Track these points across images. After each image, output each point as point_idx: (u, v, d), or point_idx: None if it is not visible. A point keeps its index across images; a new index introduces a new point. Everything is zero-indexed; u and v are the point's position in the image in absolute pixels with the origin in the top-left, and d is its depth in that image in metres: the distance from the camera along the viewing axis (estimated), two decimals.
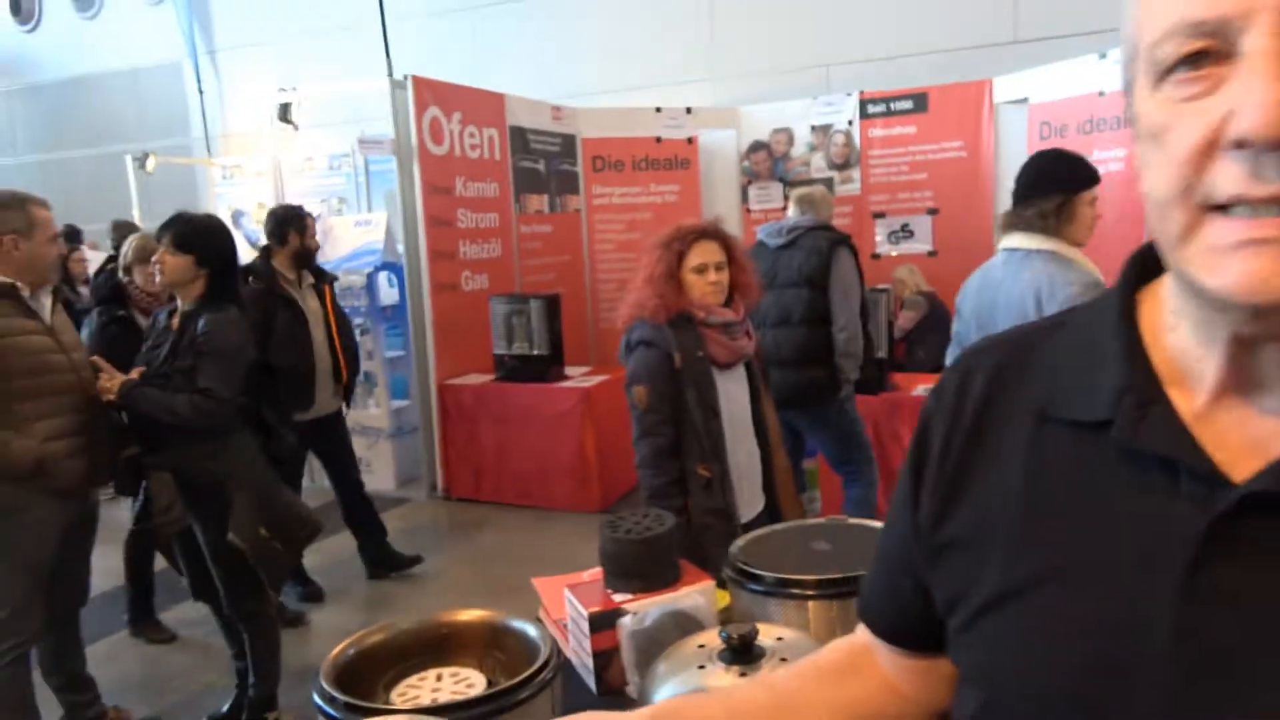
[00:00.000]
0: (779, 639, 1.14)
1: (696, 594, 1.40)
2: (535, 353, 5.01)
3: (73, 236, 6.79)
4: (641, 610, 1.35)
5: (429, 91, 5.18)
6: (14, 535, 2.49)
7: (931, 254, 6.24)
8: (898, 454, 4.10)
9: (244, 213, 7.15)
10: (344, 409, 4.17)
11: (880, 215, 6.40)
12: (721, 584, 1.51)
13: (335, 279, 4.14)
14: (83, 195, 8.69)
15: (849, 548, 1.46)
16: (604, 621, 1.37)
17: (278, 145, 7.09)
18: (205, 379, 2.61)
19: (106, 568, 4.42)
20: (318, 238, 4.06)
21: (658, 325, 2.38)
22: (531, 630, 1.26)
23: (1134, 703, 0.51)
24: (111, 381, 2.63)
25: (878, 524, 1.54)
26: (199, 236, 2.72)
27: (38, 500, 2.50)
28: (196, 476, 2.70)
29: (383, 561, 4.26)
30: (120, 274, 3.54)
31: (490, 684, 1.21)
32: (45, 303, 2.61)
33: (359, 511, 4.22)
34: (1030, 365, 0.64)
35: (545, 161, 6.24)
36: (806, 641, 1.15)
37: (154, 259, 2.76)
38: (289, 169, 7.09)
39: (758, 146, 6.71)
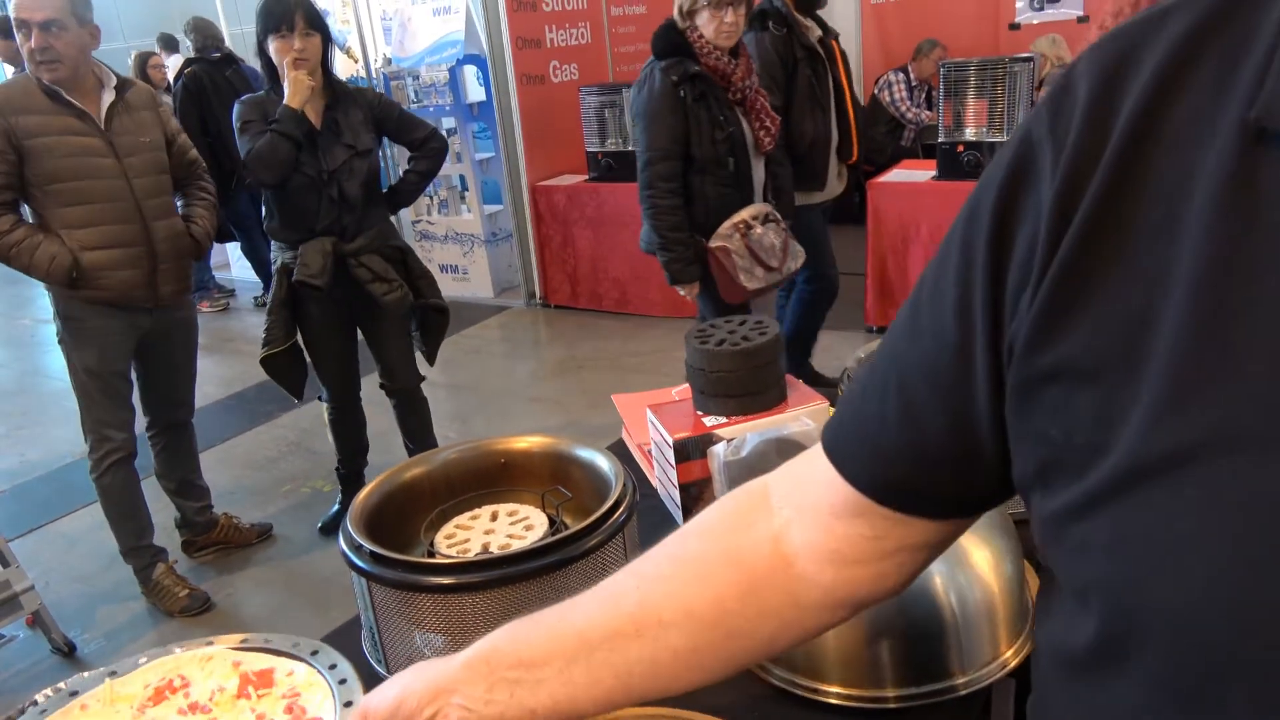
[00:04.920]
0: None
1: (805, 417, 1.14)
2: (630, 149, 4.63)
3: (170, 45, 6.58)
4: (737, 437, 1.11)
5: None
6: (77, 346, 2.46)
7: (1082, 19, 5.42)
8: None
9: (328, 12, 6.77)
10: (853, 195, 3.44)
11: None
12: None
13: (838, 34, 3.24)
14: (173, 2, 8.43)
15: None
16: (692, 449, 1.14)
17: None
18: (423, 128, 2.72)
19: (221, 376, 4.53)
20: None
21: None
22: (602, 461, 1.04)
23: None
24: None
25: None
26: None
27: (93, 311, 2.43)
28: (394, 251, 2.71)
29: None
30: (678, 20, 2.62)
31: (553, 526, 1.00)
32: (104, 102, 2.40)
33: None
34: (1233, 46, 0.36)
35: None
36: None
37: (296, 45, 2.46)
38: None
39: None
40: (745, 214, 2.67)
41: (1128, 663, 0.38)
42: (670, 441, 1.14)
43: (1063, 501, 0.39)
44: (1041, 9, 5.61)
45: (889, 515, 0.51)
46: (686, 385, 1.30)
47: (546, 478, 1.07)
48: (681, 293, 2.77)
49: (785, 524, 0.56)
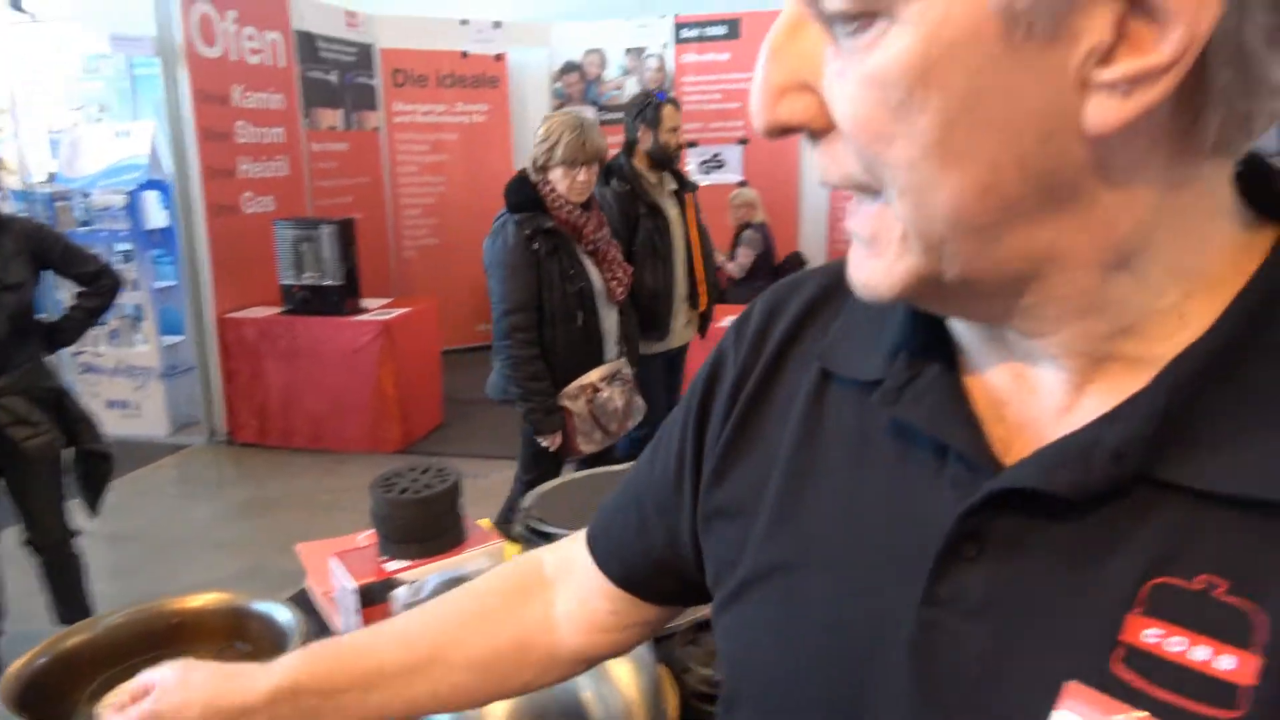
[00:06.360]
0: None
1: (482, 556, 1.25)
2: (328, 283, 4.60)
3: None
4: (418, 580, 1.19)
5: None
6: None
7: (741, 184, 6.29)
8: None
9: None
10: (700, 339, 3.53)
11: (692, 144, 6.36)
12: (514, 540, 1.37)
13: (696, 187, 3.43)
14: None
15: None
16: (376, 594, 1.19)
17: (10, 39, 6.06)
18: (93, 263, 2.59)
19: None
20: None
21: None
22: (281, 613, 1.07)
23: (874, 716, 0.45)
24: None
25: None
26: None
27: None
28: (45, 393, 2.48)
29: None
30: (531, 173, 2.68)
31: None
32: None
33: None
34: (834, 306, 0.54)
35: (339, 73, 5.71)
36: None
37: None
38: (31, 68, 6.10)
39: (570, 68, 6.46)
40: (595, 376, 2.68)
41: (739, 709, 0.54)
42: (354, 588, 1.19)
43: (720, 599, 0.55)
44: (708, 174, 6.44)
45: (627, 599, 0.66)
46: (373, 530, 1.36)
47: (223, 634, 1.07)
48: (544, 443, 2.69)
49: (554, 596, 0.70)
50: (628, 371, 2.84)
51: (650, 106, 3.14)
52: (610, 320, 2.80)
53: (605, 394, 2.71)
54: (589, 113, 6.41)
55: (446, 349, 5.51)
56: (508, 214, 2.65)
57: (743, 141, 6.33)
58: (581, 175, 2.61)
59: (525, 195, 2.63)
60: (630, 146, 3.19)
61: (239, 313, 4.74)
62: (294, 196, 5.26)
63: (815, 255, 6.14)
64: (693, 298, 3.36)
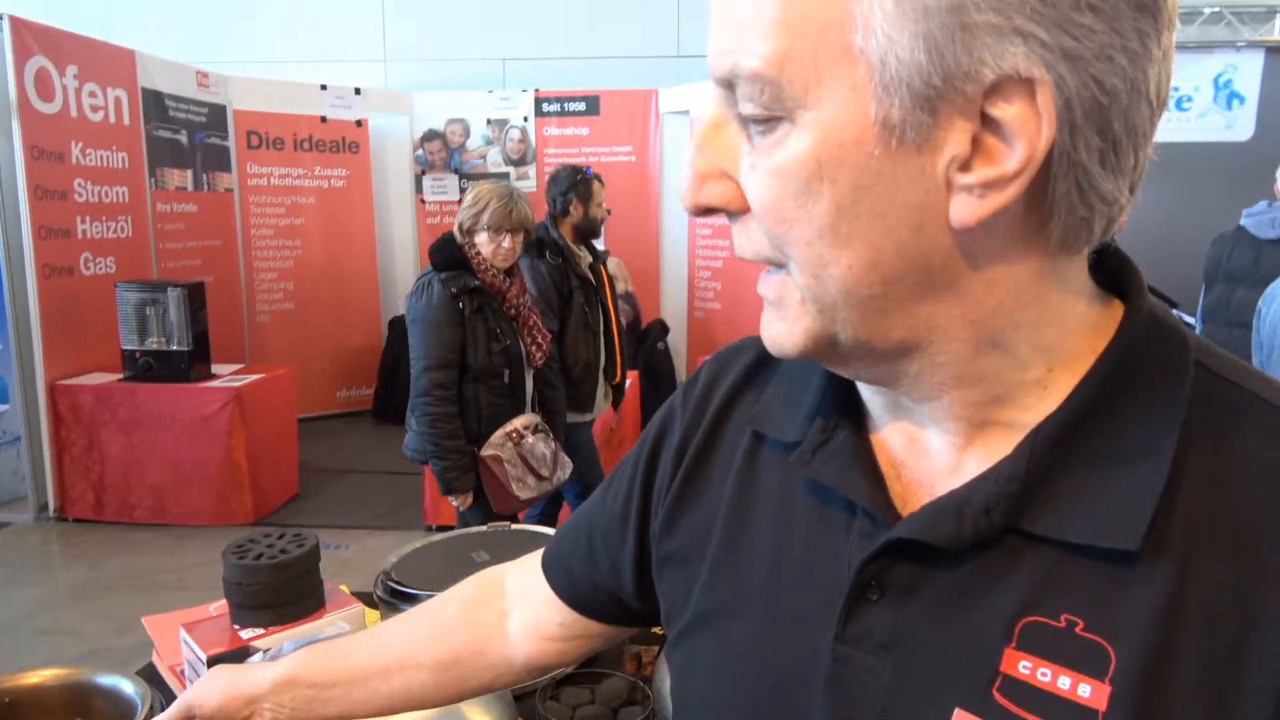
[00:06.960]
0: None
1: (340, 620, 1.25)
2: (175, 348, 4.40)
3: None
4: (273, 646, 1.17)
5: (33, 37, 4.35)
6: None
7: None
8: None
9: None
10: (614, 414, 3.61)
11: None
12: (373, 604, 1.37)
13: (607, 257, 3.49)
14: None
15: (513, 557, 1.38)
16: (227, 664, 1.17)
17: None
18: None
19: None
20: None
21: None
22: (127, 686, 1.04)
23: None
24: None
25: (542, 529, 1.49)
26: None
27: None
28: None
29: None
30: (458, 235, 2.71)
31: None
32: None
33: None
34: (767, 374, 0.61)
35: (189, 132, 5.54)
36: None
37: None
38: None
39: (432, 135, 6.50)
40: (517, 423, 2.72)
41: None
42: (204, 658, 1.17)
43: (671, 638, 0.61)
44: None
45: (574, 614, 0.73)
46: (224, 601, 1.33)
47: (63, 712, 1.03)
48: (454, 503, 2.69)
49: (511, 607, 0.78)
50: (546, 426, 2.88)
51: (582, 181, 3.25)
52: (530, 384, 2.86)
53: (530, 440, 2.76)
54: (451, 180, 6.48)
55: (304, 416, 5.34)
56: (433, 272, 2.70)
57: (605, 213, 6.50)
58: (506, 242, 2.68)
59: (451, 255, 2.70)
60: (555, 220, 3.25)
61: (74, 379, 4.45)
62: (138, 258, 5.02)
63: (676, 322, 6.34)
64: (608, 370, 3.42)
